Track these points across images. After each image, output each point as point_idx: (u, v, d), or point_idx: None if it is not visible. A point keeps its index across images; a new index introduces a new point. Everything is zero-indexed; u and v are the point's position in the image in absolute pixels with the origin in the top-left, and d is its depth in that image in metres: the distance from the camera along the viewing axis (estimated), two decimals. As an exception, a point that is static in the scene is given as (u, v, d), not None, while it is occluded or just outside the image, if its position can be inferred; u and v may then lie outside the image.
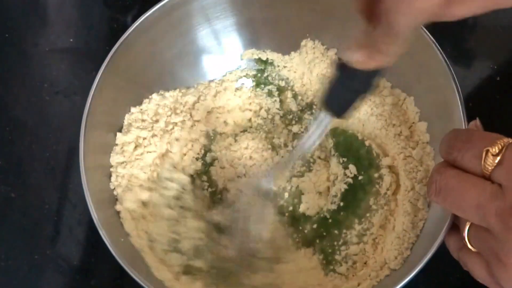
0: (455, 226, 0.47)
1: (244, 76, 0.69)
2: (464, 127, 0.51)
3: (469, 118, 0.51)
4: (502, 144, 0.39)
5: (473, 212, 0.40)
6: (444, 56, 0.53)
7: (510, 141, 0.39)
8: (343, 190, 0.60)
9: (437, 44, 0.54)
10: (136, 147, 0.61)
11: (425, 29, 0.55)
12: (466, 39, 0.73)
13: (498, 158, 0.39)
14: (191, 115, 0.65)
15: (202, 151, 0.65)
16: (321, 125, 0.50)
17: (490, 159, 0.39)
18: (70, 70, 0.75)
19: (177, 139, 0.63)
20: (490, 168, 0.39)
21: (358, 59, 0.39)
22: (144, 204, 0.60)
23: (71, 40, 0.76)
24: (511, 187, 0.38)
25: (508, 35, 0.72)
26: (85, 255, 0.67)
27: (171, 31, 0.62)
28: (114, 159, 0.60)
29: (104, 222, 0.54)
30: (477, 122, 0.48)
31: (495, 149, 0.39)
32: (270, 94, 0.68)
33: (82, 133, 0.56)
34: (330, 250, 0.58)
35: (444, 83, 0.53)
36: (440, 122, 0.56)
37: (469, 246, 0.43)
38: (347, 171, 0.60)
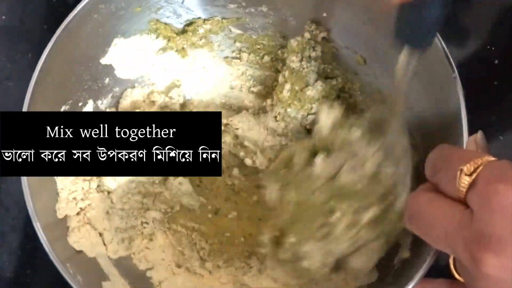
0: None
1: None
2: (463, 116, 0.49)
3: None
4: (478, 162, 0.37)
5: (443, 242, 0.38)
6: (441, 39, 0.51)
7: (490, 159, 0.37)
8: None
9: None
10: None
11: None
12: (459, 16, 0.69)
13: (472, 178, 0.37)
14: None
15: None
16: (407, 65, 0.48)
17: (463, 180, 0.37)
18: (2, 52, 0.72)
19: None
20: (463, 190, 0.37)
21: None
22: None
23: (3, 17, 0.73)
24: (480, 212, 0.36)
25: (507, 11, 0.69)
26: (20, 265, 0.65)
27: (125, 9, 0.59)
28: None
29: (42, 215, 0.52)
30: (477, 137, 0.46)
31: (469, 168, 0.37)
32: None
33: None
34: None
35: (440, 70, 0.51)
36: (437, 108, 0.54)
37: (456, 275, 0.42)
38: None
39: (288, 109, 0.62)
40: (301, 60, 0.61)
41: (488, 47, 0.67)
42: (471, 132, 0.48)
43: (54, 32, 0.55)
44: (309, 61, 0.61)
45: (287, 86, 0.61)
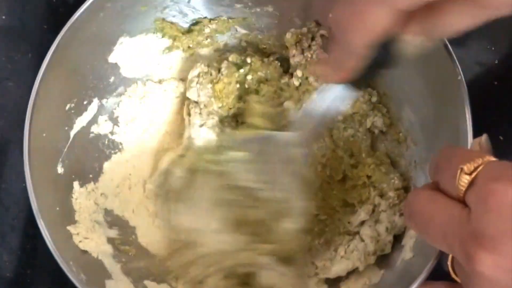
0: None
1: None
2: (468, 117, 0.49)
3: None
4: (479, 162, 0.37)
5: (441, 241, 0.39)
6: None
7: (491, 159, 0.37)
8: None
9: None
10: None
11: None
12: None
13: (472, 177, 0.37)
14: None
15: None
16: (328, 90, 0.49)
17: (463, 178, 0.37)
18: (2, 52, 0.71)
19: None
20: (462, 189, 0.37)
21: (322, 73, 0.47)
22: None
23: (3, 17, 0.72)
24: (477, 211, 0.36)
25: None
26: (20, 265, 0.65)
27: (131, 8, 0.59)
28: None
29: (48, 218, 0.51)
30: (481, 140, 0.45)
31: (469, 167, 0.37)
32: None
33: (27, 123, 0.53)
34: None
35: (444, 72, 0.51)
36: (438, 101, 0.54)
37: (453, 275, 0.41)
38: None
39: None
40: (302, 52, 0.61)
41: (488, 47, 0.66)
42: (474, 133, 0.48)
43: (54, 32, 0.55)
44: (309, 50, 0.61)
45: (311, 79, 0.60)
